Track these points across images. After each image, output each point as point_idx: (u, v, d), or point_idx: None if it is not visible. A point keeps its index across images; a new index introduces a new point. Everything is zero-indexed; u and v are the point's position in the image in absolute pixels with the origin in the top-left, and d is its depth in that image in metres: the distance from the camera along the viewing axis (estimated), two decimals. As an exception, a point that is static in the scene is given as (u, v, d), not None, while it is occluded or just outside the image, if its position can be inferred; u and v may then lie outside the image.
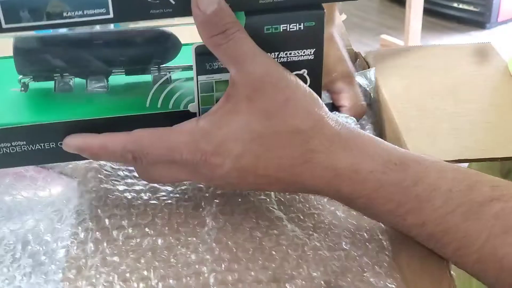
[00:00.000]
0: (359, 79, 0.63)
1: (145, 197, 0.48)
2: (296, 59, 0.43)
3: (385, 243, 0.44)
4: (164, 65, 0.48)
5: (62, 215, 0.47)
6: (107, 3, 0.39)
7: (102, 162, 0.51)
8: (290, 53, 0.43)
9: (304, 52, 0.43)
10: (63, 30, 0.45)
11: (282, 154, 0.40)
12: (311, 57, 0.43)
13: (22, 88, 0.47)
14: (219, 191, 0.48)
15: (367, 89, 0.63)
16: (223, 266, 0.42)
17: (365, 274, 0.42)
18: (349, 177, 0.40)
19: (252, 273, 0.42)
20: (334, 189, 0.40)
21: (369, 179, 0.39)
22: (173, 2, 0.40)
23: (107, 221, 0.46)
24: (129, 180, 0.50)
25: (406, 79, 0.63)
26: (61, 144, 0.44)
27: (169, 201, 0.48)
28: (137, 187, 0.49)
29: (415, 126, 0.55)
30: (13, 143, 0.43)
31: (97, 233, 0.45)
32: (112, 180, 0.50)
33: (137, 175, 0.46)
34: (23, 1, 0.38)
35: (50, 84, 0.47)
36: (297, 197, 0.49)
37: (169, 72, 0.47)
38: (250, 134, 0.40)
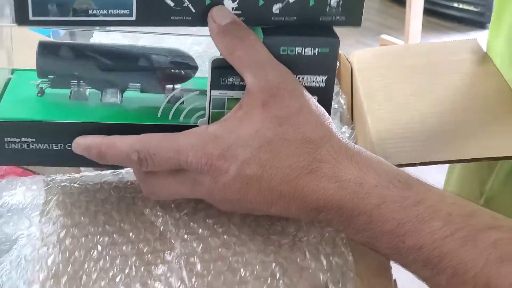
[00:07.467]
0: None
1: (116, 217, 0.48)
2: (308, 85, 0.44)
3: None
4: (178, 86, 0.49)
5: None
6: (131, 4, 0.41)
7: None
8: (303, 78, 0.44)
9: (316, 79, 0.44)
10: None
11: (288, 163, 0.40)
12: (322, 84, 0.44)
13: (39, 93, 0.48)
14: (185, 211, 0.47)
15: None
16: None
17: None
18: (353, 190, 0.39)
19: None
20: (336, 205, 0.40)
21: (372, 194, 0.39)
22: (193, 11, 0.42)
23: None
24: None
25: (387, 79, 0.61)
26: (69, 146, 0.44)
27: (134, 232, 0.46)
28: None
29: (385, 128, 0.54)
30: (22, 139, 0.44)
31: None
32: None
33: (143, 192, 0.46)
34: None
35: (65, 91, 0.48)
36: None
37: (182, 95, 0.48)
38: (259, 140, 0.40)
